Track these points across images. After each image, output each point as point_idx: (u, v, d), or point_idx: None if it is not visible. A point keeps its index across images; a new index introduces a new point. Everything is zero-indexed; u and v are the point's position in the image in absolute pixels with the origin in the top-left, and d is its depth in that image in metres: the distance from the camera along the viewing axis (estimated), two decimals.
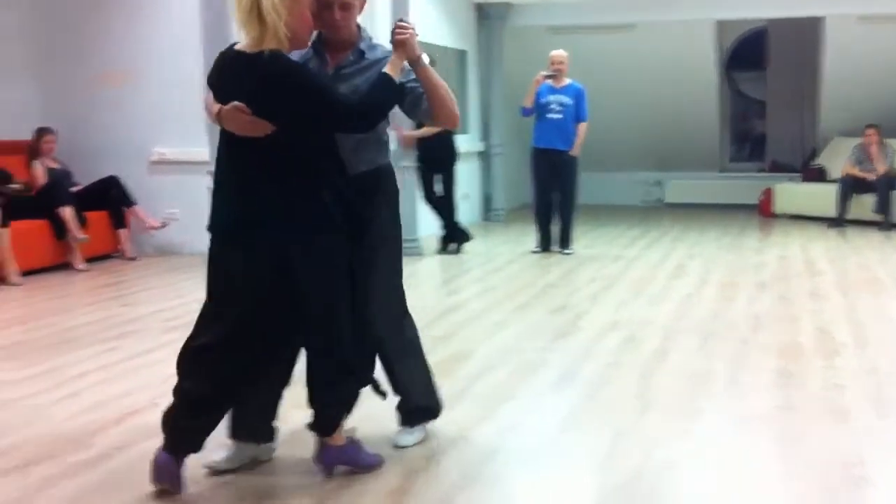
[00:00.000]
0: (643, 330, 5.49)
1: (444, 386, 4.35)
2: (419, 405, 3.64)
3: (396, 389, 3.61)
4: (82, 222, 7.80)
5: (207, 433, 3.18)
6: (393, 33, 3.17)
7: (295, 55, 3.12)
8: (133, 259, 8.26)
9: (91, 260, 7.94)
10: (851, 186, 10.38)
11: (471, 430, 3.77)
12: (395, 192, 3.52)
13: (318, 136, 3.07)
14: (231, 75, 3.03)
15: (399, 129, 8.32)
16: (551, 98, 8.39)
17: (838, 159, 11.05)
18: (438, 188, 8.63)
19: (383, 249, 3.41)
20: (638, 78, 11.69)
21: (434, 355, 4.88)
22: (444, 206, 8.66)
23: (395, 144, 8.48)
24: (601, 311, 6.07)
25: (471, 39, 11.15)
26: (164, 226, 8.37)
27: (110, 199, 8.28)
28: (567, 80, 8.48)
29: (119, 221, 8.32)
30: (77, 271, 7.70)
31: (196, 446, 3.17)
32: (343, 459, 3.29)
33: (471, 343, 5.24)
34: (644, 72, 11.68)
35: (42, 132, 8.25)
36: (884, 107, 11.01)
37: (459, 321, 5.84)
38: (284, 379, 3.36)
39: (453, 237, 8.71)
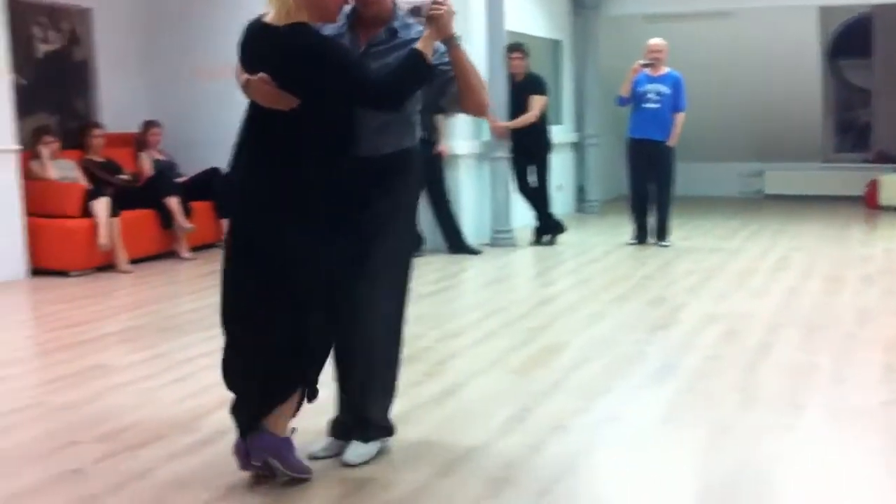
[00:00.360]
0: (744, 323, 5.38)
1: (541, 377, 4.39)
2: (380, 420, 3.37)
3: (354, 398, 3.33)
4: (188, 212, 8.04)
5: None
6: (427, 7, 3.03)
7: (328, 30, 3.08)
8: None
9: (196, 249, 8.18)
10: None
11: (568, 421, 3.76)
12: (418, 177, 3.40)
13: (339, 115, 3.02)
14: (258, 47, 3.02)
15: (494, 120, 8.33)
16: (649, 87, 8.28)
17: None
18: (532, 179, 8.61)
19: (388, 236, 3.22)
20: (737, 66, 11.42)
21: (530, 347, 4.94)
22: (537, 197, 8.63)
23: (488, 135, 8.51)
24: (700, 303, 5.98)
25: (566, 29, 11.07)
26: None
27: (214, 189, 8.51)
28: (665, 69, 8.34)
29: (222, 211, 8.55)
30: (183, 259, 7.95)
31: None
32: (274, 452, 3.08)
33: (566, 334, 5.23)
34: (743, 60, 11.41)
35: (149, 125, 8.54)
36: None
37: (554, 312, 5.82)
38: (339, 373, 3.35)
39: (547, 229, 8.67)
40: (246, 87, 3.04)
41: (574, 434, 3.63)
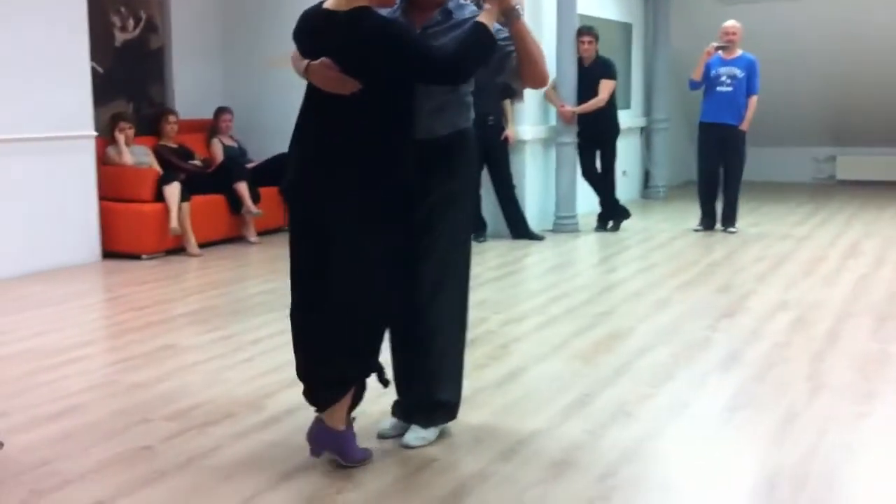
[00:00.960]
0: (815, 311, 5.28)
1: (605, 362, 4.36)
2: (447, 405, 3.39)
3: (422, 385, 3.35)
4: (256, 197, 8.17)
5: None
6: None
7: (383, 14, 3.06)
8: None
9: (263, 233, 8.31)
10: None
11: (633, 406, 3.74)
12: (474, 158, 3.37)
13: (399, 97, 3.03)
14: (320, 33, 3.03)
15: (561, 105, 8.28)
16: (722, 70, 8.13)
17: None
18: (598, 164, 8.53)
19: (447, 220, 3.24)
20: (810, 47, 11.12)
21: (594, 332, 4.92)
22: (603, 182, 8.55)
23: (556, 120, 8.46)
24: (769, 291, 5.87)
25: (637, 12, 10.91)
26: None
27: (282, 175, 8.59)
28: (738, 52, 8.18)
29: None
30: (250, 244, 8.08)
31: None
32: (333, 447, 3.14)
33: (631, 320, 5.18)
34: (820, 41, 11.09)
35: (220, 111, 8.69)
36: None
37: (619, 298, 5.78)
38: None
39: (611, 214, 8.59)
40: (307, 73, 3.06)
41: (638, 420, 3.60)
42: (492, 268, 7.00)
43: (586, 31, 8.32)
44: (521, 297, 5.97)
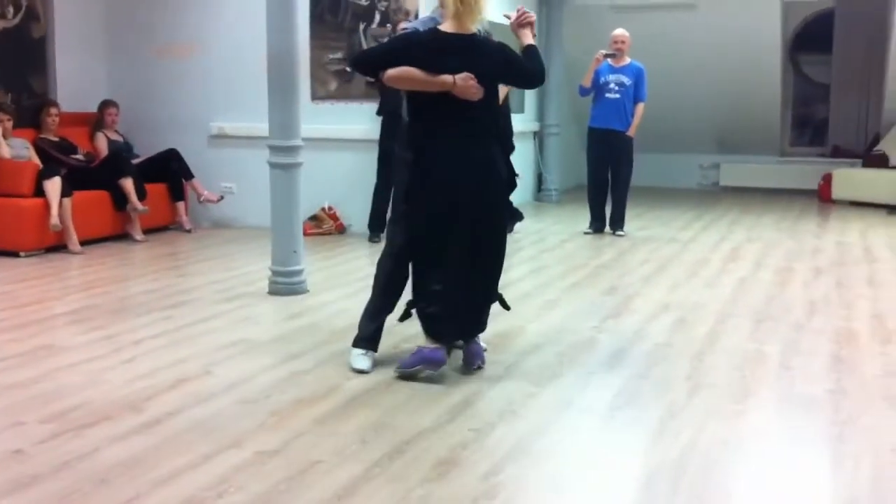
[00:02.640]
0: (696, 312, 5.44)
1: (493, 361, 4.40)
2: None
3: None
4: (142, 194, 7.94)
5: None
6: (522, 17, 4.16)
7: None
8: (189, 231, 8.40)
9: (149, 231, 8.09)
10: None
11: (519, 405, 3.78)
12: None
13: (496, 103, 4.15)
14: (455, 50, 3.93)
15: None
16: (611, 77, 8.31)
17: None
18: None
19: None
20: (699, 58, 11.49)
21: (486, 331, 4.92)
22: None
23: None
24: (654, 292, 6.03)
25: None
26: (220, 199, 8.49)
27: (170, 171, 8.41)
28: (627, 60, 8.38)
29: (178, 194, 8.46)
30: (135, 242, 7.85)
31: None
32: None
33: (522, 320, 5.24)
34: (705, 52, 11.47)
35: (105, 105, 8.42)
36: None
37: (510, 299, 5.74)
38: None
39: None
40: (453, 85, 3.90)
41: (524, 419, 3.64)
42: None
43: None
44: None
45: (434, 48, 3.96)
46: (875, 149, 11.40)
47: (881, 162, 11.04)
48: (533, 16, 4.18)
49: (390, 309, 4.36)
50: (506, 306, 4.41)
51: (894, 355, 4.57)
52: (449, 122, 4.00)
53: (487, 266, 4.17)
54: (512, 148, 4.45)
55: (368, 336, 4.31)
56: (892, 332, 5.01)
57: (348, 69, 8.03)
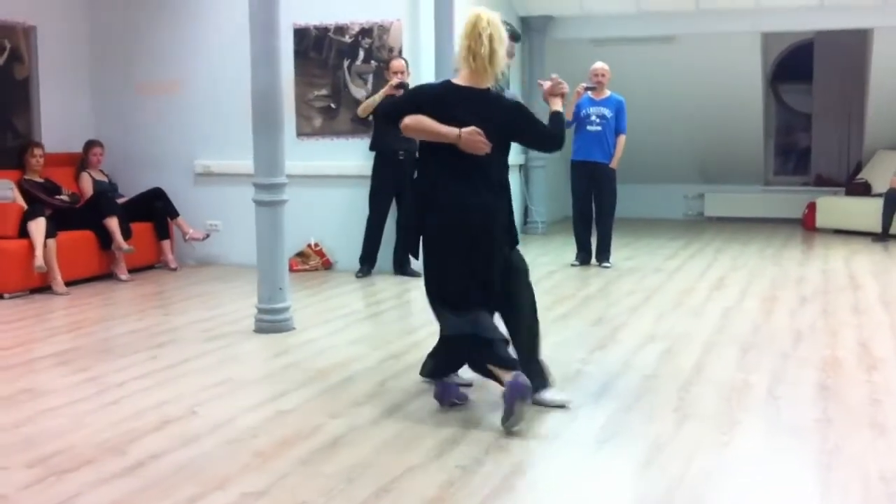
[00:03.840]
0: (682, 342, 5.45)
1: (481, 398, 4.38)
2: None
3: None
4: (127, 233, 7.93)
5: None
6: (555, 86, 4.23)
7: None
8: (175, 269, 8.38)
9: (134, 270, 8.07)
10: None
11: (506, 440, 3.77)
12: None
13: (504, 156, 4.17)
14: (465, 104, 3.99)
15: None
16: (591, 110, 8.38)
17: (883, 173, 10.87)
18: None
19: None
20: (680, 90, 11.60)
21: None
22: None
23: None
24: (640, 323, 6.04)
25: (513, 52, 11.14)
26: (206, 237, 8.48)
27: (155, 210, 8.41)
28: (607, 92, 8.46)
29: (163, 232, 8.45)
30: (121, 281, 7.82)
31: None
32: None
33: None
34: (686, 84, 11.59)
35: (90, 144, 8.42)
36: None
37: None
38: None
39: None
40: (458, 138, 3.95)
41: (511, 453, 3.63)
42: (373, 303, 6.97)
43: None
44: (400, 332, 5.96)
45: (443, 100, 4.03)
46: (857, 177, 11.50)
47: (864, 190, 11.13)
48: (565, 87, 4.24)
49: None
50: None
51: (880, 383, 4.58)
52: (453, 171, 4.03)
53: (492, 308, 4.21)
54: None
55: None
56: (878, 359, 5.03)
57: (361, 116, 8.07)
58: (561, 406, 4.18)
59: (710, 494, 3.25)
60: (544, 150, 4.34)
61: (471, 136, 3.94)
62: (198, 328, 6.00)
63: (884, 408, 4.17)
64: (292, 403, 4.31)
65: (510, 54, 4.25)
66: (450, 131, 3.97)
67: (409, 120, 4.06)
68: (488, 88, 4.04)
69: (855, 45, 11.65)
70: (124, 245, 7.83)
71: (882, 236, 10.15)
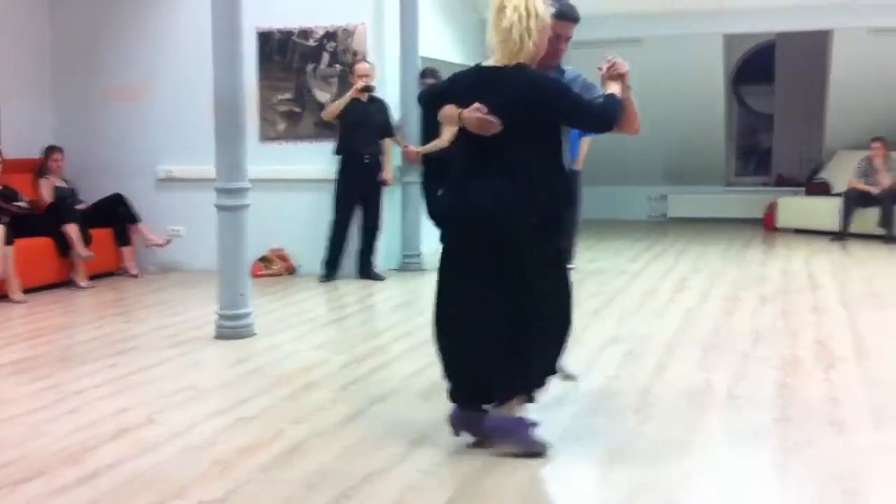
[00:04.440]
0: (644, 344, 5.47)
1: (445, 400, 4.36)
2: None
3: None
4: (87, 240, 7.83)
5: None
6: (611, 68, 3.70)
7: None
8: (136, 276, 8.29)
9: (95, 277, 7.97)
10: (855, 200, 10.34)
11: (470, 443, 3.75)
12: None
13: (547, 138, 3.62)
14: (484, 85, 3.57)
15: (405, 145, 8.35)
16: None
17: (843, 173, 11.02)
18: None
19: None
20: (645, 92, 11.49)
21: (435, 371, 4.89)
22: None
23: (400, 160, 8.52)
24: (603, 325, 6.06)
25: (479, 55, 11.13)
26: (167, 243, 8.40)
27: (116, 216, 8.32)
28: None
29: (124, 239, 8.36)
30: (80, 289, 7.72)
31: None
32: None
33: None
34: (651, 86, 11.58)
35: (50, 150, 8.31)
36: (890, 120, 10.97)
37: None
38: None
39: None
40: (460, 118, 3.56)
41: (474, 457, 3.61)
42: (336, 307, 6.94)
43: (429, 73, 8.44)
44: (364, 336, 5.94)
45: (462, 84, 3.71)
46: (817, 177, 11.64)
47: (823, 190, 11.27)
48: (624, 67, 3.71)
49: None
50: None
51: (838, 381, 4.63)
52: (470, 158, 3.66)
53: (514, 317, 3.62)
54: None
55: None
56: (836, 358, 5.08)
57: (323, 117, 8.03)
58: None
59: (672, 494, 3.26)
60: (590, 130, 4.05)
61: (471, 114, 3.53)
62: (158, 335, 5.94)
63: (842, 406, 4.21)
64: (253, 410, 4.28)
65: (561, 36, 3.82)
66: (451, 112, 3.63)
67: (442, 111, 3.74)
68: (505, 66, 3.55)
69: (815, 46, 11.79)
70: (84, 251, 7.73)
71: (841, 235, 10.29)
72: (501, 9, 3.54)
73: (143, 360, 5.27)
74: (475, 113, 3.52)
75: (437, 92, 3.96)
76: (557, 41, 3.78)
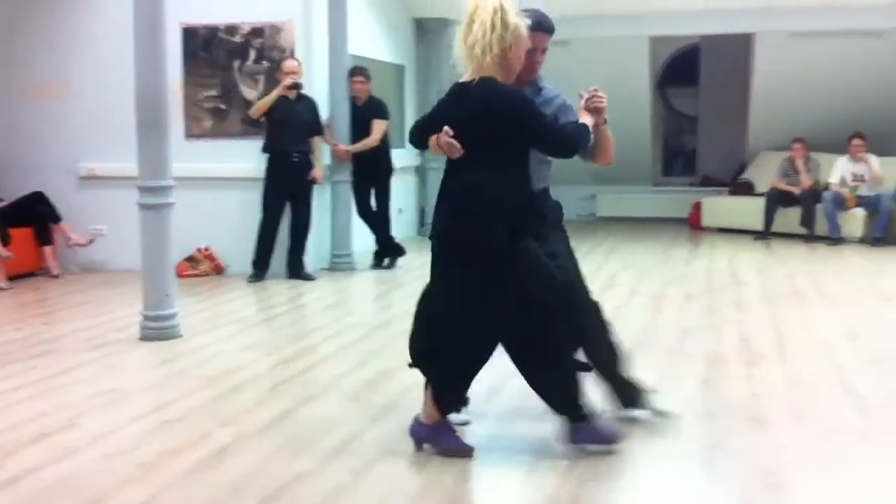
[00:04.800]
0: None
1: (374, 400, 4.36)
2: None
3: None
4: (6, 240, 7.60)
5: None
6: (589, 100, 3.67)
7: None
8: (58, 276, 8.07)
9: (14, 278, 7.74)
10: (778, 199, 10.61)
11: (399, 444, 3.74)
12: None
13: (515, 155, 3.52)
14: (453, 102, 3.53)
15: (335, 144, 8.29)
16: None
17: (766, 173, 11.29)
18: (373, 203, 8.60)
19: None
20: (572, 92, 11.74)
21: (364, 370, 4.91)
22: (378, 220, 8.63)
23: (329, 158, 8.45)
24: None
25: (409, 54, 11.15)
26: (90, 243, 8.19)
27: (36, 215, 8.09)
28: None
29: (44, 238, 8.13)
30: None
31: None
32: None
33: (402, 357, 5.17)
34: (580, 87, 11.73)
35: None
36: (811, 121, 11.28)
37: (391, 336, 5.80)
38: None
39: (387, 252, 8.67)
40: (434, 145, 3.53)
41: (402, 457, 3.60)
42: (265, 308, 6.86)
43: (358, 71, 8.40)
44: (293, 337, 5.87)
45: (443, 104, 3.64)
46: (741, 177, 11.91)
47: (747, 189, 11.54)
48: (602, 102, 3.68)
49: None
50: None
51: (760, 377, 4.74)
52: (450, 177, 3.58)
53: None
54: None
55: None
56: (759, 354, 5.20)
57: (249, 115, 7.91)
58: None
59: (595, 491, 3.29)
60: (553, 154, 3.72)
61: (442, 137, 3.47)
62: (80, 337, 5.79)
63: (764, 402, 4.31)
64: (178, 413, 4.20)
65: (537, 48, 3.70)
66: (432, 140, 3.56)
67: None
68: (471, 81, 3.47)
69: (739, 49, 12.06)
70: (3, 251, 7.50)
71: (764, 234, 10.54)
72: (470, 23, 3.47)
73: (64, 362, 5.13)
74: (443, 136, 3.47)
75: (425, 117, 3.82)
76: (534, 53, 3.71)
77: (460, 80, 3.55)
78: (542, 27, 3.74)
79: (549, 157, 3.81)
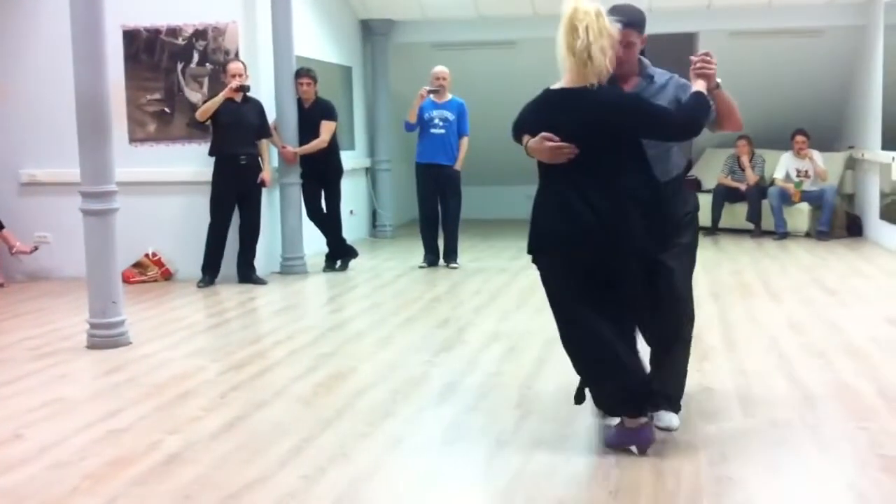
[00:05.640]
0: (525, 340, 5.55)
1: (325, 404, 4.34)
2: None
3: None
4: None
5: None
6: (695, 66, 3.65)
7: None
8: (2, 285, 7.90)
9: None
10: (724, 196, 10.77)
11: (352, 447, 3.73)
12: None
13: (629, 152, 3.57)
14: (562, 108, 3.55)
15: (283, 146, 8.22)
16: (434, 113, 8.44)
17: (712, 170, 11.45)
18: (324, 205, 8.55)
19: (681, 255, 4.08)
20: (520, 94, 11.67)
21: (316, 374, 4.89)
22: (329, 222, 8.58)
23: (277, 161, 8.38)
24: (485, 322, 6.11)
25: (356, 56, 11.11)
26: (34, 250, 8.03)
27: None
28: (449, 96, 8.54)
29: None
30: None
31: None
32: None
33: (355, 360, 5.19)
34: (526, 87, 11.62)
35: None
36: (754, 119, 11.41)
37: (343, 339, 5.78)
38: None
39: (339, 254, 8.63)
40: (527, 148, 3.63)
41: (354, 461, 3.59)
42: (215, 313, 6.78)
43: (304, 72, 8.34)
44: (243, 342, 5.80)
45: (540, 110, 3.68)
46: (688, 174, 12.06)
47: (694, 186, 11.67)
48: (711, 67, 3.65)
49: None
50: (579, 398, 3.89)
51: (709, 371, 4.80)
52: (557, 183, 3.68)
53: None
54: None
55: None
56: (709, 348, 5.27)
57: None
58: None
59: (549, 488, 3.30)
60: (676, 139, 3.76)
61: (537, 145, 3.56)
62: (25, 346, 5.67)
63: (713, 395, 4.37)
64: (126, 421, 4.13)
65: (627, 44, 3.69)
66: (525, 144, 3.64)
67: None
68: (585, 87, 3.50)
69: (682, 48, 12.19)
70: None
71: (711, 230, 10.69)
72: (573, 29, 3.46)
73: (8, 372, 5.02)
74: (543, 143, 3.53)
75: (516, 122, 3.85)
76: (628, 49, 3.71)
77: (562, 87, 3.59)
78: (636, 24, 3.77)
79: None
